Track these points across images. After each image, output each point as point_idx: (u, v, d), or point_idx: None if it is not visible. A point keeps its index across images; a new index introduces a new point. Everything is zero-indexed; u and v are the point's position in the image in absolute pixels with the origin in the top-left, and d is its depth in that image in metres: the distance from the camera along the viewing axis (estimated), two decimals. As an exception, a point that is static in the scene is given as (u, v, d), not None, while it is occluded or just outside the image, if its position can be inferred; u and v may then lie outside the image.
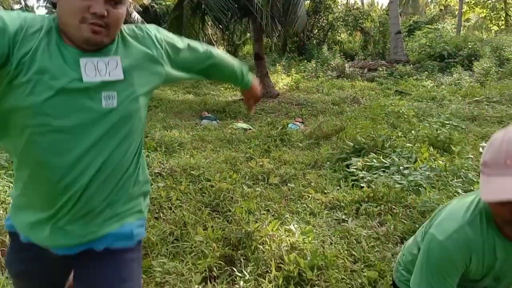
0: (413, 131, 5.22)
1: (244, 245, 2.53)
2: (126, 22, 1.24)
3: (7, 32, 0.88)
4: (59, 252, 1.09)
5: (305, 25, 11.07)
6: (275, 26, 9.81)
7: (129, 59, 1.04)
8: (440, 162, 3.90)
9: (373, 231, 2.77)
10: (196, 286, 2.16)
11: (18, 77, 0.90)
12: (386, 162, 3.90)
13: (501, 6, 23.91)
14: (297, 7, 8.58)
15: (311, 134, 5.79)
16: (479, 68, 10.97)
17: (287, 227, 2.74)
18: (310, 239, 2.57)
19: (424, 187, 3.36)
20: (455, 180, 3.54)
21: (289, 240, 2.56)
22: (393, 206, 3.12)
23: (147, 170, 1.23)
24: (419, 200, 3.13)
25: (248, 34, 15.57)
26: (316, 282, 2.19)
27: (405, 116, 6.37)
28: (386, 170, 3.76)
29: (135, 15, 14.24)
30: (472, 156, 4.34)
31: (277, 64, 15.03)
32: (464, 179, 3.56)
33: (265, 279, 2.19)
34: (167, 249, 2.52)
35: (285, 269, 2.25)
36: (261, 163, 4.20)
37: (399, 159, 3.94)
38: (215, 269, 2.31)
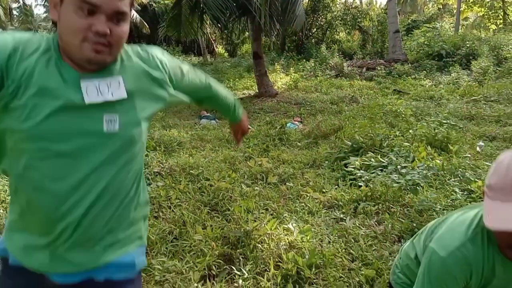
0: (411, 130, 5.25)
1: (243, 243, 2.55)
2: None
3: (0, 56, 0.85)
4: (58, 280, 1.04)
5: (304, 24, 11.04)
6: (273, 25, 9.82)
7: (131, 80, 1.01)
8: (438, 161, 3.92)
9: (371, 230, 2.79)
10: (195, 284, 2.17)
11: (14, 100, 0.88)
12: (384, 161, 3.92)
13: (499, 4, 23.94)
14: (296, 6, 8.58)
15: (309, 134, 5.81)
16: (477, 67, 10.98)
17: (286, 226, 2.76)
18: (308, 237, 2.59)
19: (421, 186, 3.39)
20: (453, 179, 3.57)
21: (287, 239, 2.58)
22: (391, 205, 3.14)
23: (147, 192, 1.20)
24: (417, 199, 3.15)
25: (247, 33, 15.55)
26: (314, 280, 2.21)
27: (403, 115, 6.40)
28: (384, 169, 3.79)
29: (134, 14, 14.22)
30: (469, 155, 4.37)
31: (276, 63, 15.04)
32: (461, 178, 3.59)
33: (263, 278, 2.22)
34: (166, 248, 2.54)
35: (283, 268, 2.27)
36: (259, 163, 4.22)
37: (397, 158, 3.96)
38: (214, 267, 2.33)
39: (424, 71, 12.24)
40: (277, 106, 8.84)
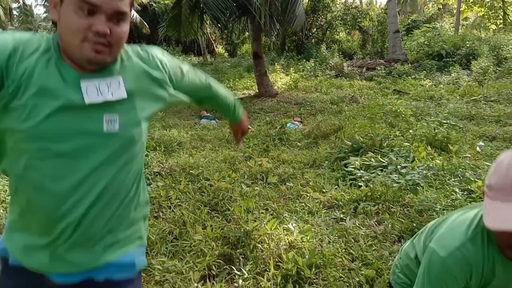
0: (411, 130, 5.25)
1: (243, 243, 2.55)
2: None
3: (0, 56, 0.85)
4: (58, 280, 1.04)
5: (304, 24, 11.04)
6: (273, 25, 9.82)
7: (132, 80, 1.01)
8: (438, 161, 3.92)
9: (371, 230, 2.79)
10: (195, 284, 2.17)
11: (14, 100, 0.88)
12: (384, 161, 3.92)
13: (499, 4, 23.94)
14: (296, 6, 8.58)
15: (309, 134, 5.81)
16: (477, 67, 10.98)
17: (286, 226, 2.76)
18: (308, 237, 2.59)
19: (421, 186, 3.39)
20: (453, 179, 3.57)
21: (287, 239, 2.58)
22: (391, 205, 3.14)
23: (147, 192, 1.20)
24: (417, 199, 3.15)
25: (247, 33, 15.55)
26: (314, 280, 2.21)
27: (403, 115, 6.40)
28: (384, 169, 3.79)
29: (134, 14, 14.22)
30: (469, 155, 4.37)
31: (276, 63, 15.04)
32: (461, 178, 3.59)
33: (263, 278, 2.22)
34: (166, 248, 2.54)
35: (283, 268, 2.27)
36: (259, 163, 4.22)
37: (396, 158, 3.96)
38: (214, 267, 2.33)
39: (424, 71, 12.24)
40: (277, 106, 8.84)
